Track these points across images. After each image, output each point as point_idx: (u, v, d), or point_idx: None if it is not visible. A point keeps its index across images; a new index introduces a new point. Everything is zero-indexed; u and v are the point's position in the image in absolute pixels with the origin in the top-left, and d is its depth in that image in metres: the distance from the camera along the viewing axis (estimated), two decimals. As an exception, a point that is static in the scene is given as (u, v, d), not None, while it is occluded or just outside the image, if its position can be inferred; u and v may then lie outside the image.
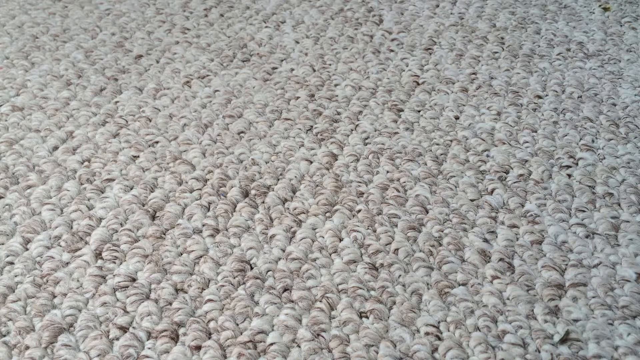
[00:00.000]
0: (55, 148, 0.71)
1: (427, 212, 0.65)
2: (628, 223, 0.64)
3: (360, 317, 0.54)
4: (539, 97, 0.83)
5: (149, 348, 0.51)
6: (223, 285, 0.56)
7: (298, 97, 0.81)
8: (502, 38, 0.96)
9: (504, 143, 0.75)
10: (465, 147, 0.74)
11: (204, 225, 0.62)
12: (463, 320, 0.54)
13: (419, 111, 0.80)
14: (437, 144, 0.74)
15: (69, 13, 0.98)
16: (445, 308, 0.55)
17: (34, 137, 0.72)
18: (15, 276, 0.56)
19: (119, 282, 0.56)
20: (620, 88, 0.86)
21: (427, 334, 0.53)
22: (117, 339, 0.52)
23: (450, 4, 1.06)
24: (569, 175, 0.70)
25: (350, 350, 0.52)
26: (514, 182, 0.69)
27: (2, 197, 0.65)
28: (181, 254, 0.59)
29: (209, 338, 0.52)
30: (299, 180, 0.68)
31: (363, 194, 0.67)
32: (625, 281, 0.58)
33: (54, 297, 0.55)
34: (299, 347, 0.52)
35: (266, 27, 0.97)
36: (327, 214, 0.64)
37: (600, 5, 1.07)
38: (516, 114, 0.80)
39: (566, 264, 0.60)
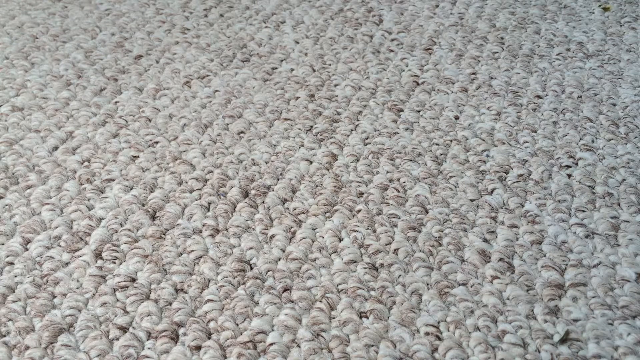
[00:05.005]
0: (55, 148, 0.71)
1: (427, 212, 0.65)
2: (628, 223, 0.64)
3: (360, 317, 0.54)
4: (539, 97, 0.83)
5: (149, 348, 0.51)
6: (223, 285, 0.56)
7: (298, 97, 0.81)
8: (502, 38, 0.96)
9: (504, 143, 0.75)
10: (465, 147, 0.74)
11: (203, 225, 0.62)
12: (463, 320, 0.54)
13: (419, 111, 0.80)
14: (437, 144, 0.74)
15: (69, 13, 0.98)
16: (445, 308, 0.55)
17: (33, 137, 0.72)
18: (15, 276, 0.56)
19: (119, 282, 0.56)
20: (620, 88, 0.86)
21: (427, 334, 0.53)
22: (117, 339, 0.52)
23: (450, 4, 1.06)
24: (569, 175, 0.70)
25: (350, 350, 0.52)
26: (514, 182, 0.69)
27: (2, 197, 0.65)
28: (181, 254, 0.59)
29: (209, 338, 0.52)
30: (299, 180, 0.68)
31: (363, 194, 0.67)
32: (625, 281, 0.58)
33: (54, 297, 0.55)
34: (299, 347, 0.52)
35: (266, 27, 0.97)
36: (327, 214, 0.64)
37: (600, 5, 1.07)
38: (516, 114, 0.80)
39: (566, 264, 0.60)
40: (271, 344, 0.52)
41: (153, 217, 0.63)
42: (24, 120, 0.75)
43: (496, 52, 0.93)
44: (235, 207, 0.65)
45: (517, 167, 0.71)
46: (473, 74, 0.88)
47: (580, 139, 0.76)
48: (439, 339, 0.53)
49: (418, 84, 0.85)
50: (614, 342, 0.53)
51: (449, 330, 0.54)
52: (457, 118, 0.79)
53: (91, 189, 0.66)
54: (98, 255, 0.59)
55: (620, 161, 0.73)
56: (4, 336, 0.52)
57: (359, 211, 0.65)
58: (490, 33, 0.98)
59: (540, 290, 0.57)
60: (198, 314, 0.54)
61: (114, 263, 0.58)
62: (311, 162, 0.71)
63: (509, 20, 1.01)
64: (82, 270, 0.57)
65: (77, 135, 0.73)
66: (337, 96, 0.82)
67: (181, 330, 0.53)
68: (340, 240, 0.61)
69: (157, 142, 0.73)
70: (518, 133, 0.77)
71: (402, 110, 0.80)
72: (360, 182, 0.68)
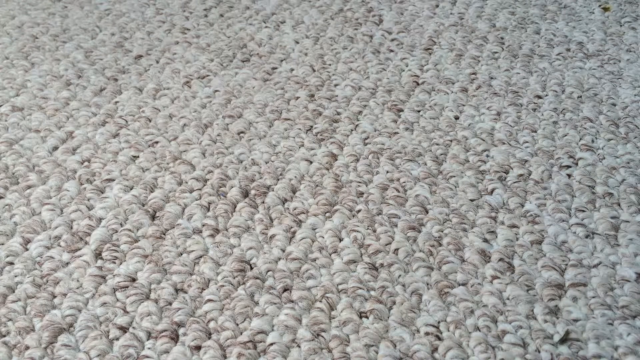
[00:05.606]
0: (55, 148, 0.71)
1: (427, 212, 0.65)
2: (628, 223, 0.64)
3: (360, 317, 0.54)
4: (539, 97, 0.83)
5: (149, 348, 0.51)
6: (223, 285, 0.56)
7: (298, 97, 0.81)
8: (502, 38, 0.96)
9: (504, 143, 0.75)
10: (465, 147, 0.74)
11: (203, 225, 0.62)
12: (463, 320, 0.54)
13: (419, 111, 0.80)
14: (437, 144, 0.74)
15: (69, 13, 0.98)
16: (445, 308, 0.55)
17: (33, 137, 0.72)
18: (15, 276, 0.56)
19: (119, 282, 0.56)
20: (620, 88, 0.86)
21: (427, 334, 0.53)
22: (117, 339, 0.52)
23: (450, 4, 1.06)
24: (569, 175, 0.70)
25: (350, 350, 0.52)
26: (514, 182, 0.69)
27: (2, 197, 0.65)
28: (181, 254, 0.59)
29: (209, 338, 0.52)
30: (299, 180, 0.68)
31: (363, 194, 0.67)
32: (625, 281, 0.58)
33: (54, 297, 0.55)
34: (299, 347, 0.52)
35: (266, 27, 0.97)
36: (327, 214, 0.64)
37: (600, 5, 1.07)
38: (516, 114, 0.80)
39: (566, 264, 0.60)
40: (271, 344, 0.52)
41: (153, 217, 0.63)
42: (24, 120, 0.75)
43: (496, 52, 0.93)
44: (235, 207, 0.65)
45: (517, 167, 0.71)
46: (473, 74, 0.88)
47: (580, 139, 0.76)
48: (439, 339, 0.53)
49: (418, 84, 0.85)
50: (614, 342, 0.53)
51: (449, 330, 0.54)
52: (457, 118, 0.79)
53: (91, 189, 0.66)
54: (98, 255, 0.59)
55: (620, 161, 0.73)
56: (4, 336, 0.52)
57: (359, 211, 0.65)
58: (490, 33, 0.98)
59: (540, 290, 0.57)
60: (198, 314, 0.54)
61: (114, 263, 0.58)
62: (311, 162, 0.71)
63: (509, 20, 1.01)
64: (82, 270, 0.57)
65: (77, 135, 0.73)
66: (337, 96, 0.82)
67: (181, 330, 0.53)
68: (340, 240, 0.61)
69: (157, 142, 0.73)
70: (518, 133, 0.77)
71: (402, 110, 0.80)
72: (360, 182, 0.68)
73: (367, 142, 0.74)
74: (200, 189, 0.66)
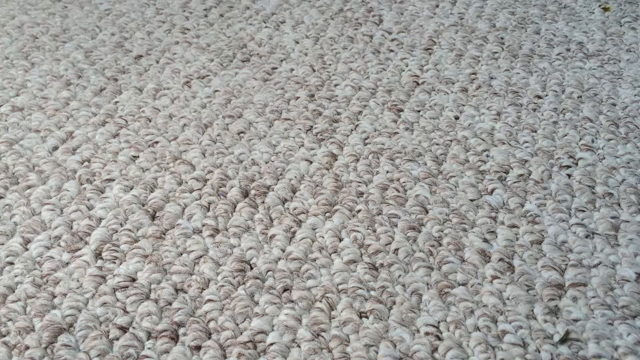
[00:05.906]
0: (55, 148, 0.71)
1: (427, 212, 0.65)
2: (628, 223, 0.64)
3: (360, 317, 0.54)
4: (539, 97, 0.83)
5: (149, 348, 0.51)
6: (223, 285, 0.56)
7: (298, 97, 0.81)
8: (502, 38, 0.96)
9: (504, 143, 0.75)
10: (465, 147, 0.74)
11: (203, 225, 0.62)
12: (463, 320, 0.54)
13: (419, 111, 0.80)
14: (437, 144, 0.74)
15: (69, 13, 0.98)
16: (445, 308, 0.55)
17: (33, 137, 0.72)
18: (15, 276, 0.56)
19: (119, 282, 0.56)
20: (620, 88, 0.86)
21: (427, 334, 0.53)
22: (117, 339, 0.52)
23: (450, 4, 1.06)
24: (569, 175, 0.70)
25: (350, 350, 0.52)
26: (514, 182, 0.69)
27: (2, 197, 0.65)
28: (181, 254, 0.59)
29: (209, 338, 0.52)
30: (299, 180, 0.68)
31: (363, 194, 0.67)
32: (625, 281, 0.58)
33: (54, 297, 0.55)
34: (299, 347, 0.52)
35: (266, 27, 0.97)
36: (327, 214, 0.64)
37: (600, 5, 1.07)
38: (516, 114, 0.80)
39: (566, 264, 0.60)
40: (271, 344, 0.52)
41: (153, 217, 0.63)
42: (24, 120, 0.75)
43: (496, 52, 0.93)
44: (235, 207, 0.65)
45: (517, 167, 0.71)
46: (473, 74, 0.88)
47: (580, 139, 0.76)
48: (439, 339, 0.53)
49: (418, 84, 0.85)
50: (614, 342, 0.53)
51: (449, 330, 0.54)
52: (457, 118, 0.79)
53: (91, 189, 0.66)
54: (98, 255, 0.59)
55: (620, 161, 0.73)
56: (4, 336, 0.52)
57: (359, 211, 0.65)
58: (490, 33, 0.98)
59: (540, 290, 0.57)
60: (198, 314, 0.54)
61: (114, 263, 0.58)
62: (311, 162, 0.71)
63: (509, 20, 1.01)
64: (82, 270, 0.57)
65: (77, 135, 0.73)
66: (337, 96, 0.82)
67: (181, 330, 0.53)
68: (340, 240, 0.61)
69: (157, 142, 0.73)
70: (518, 133, 0.77)
71: (402, 110, 0.80)
72: (360, 182, 0.68)
73: (367, 142, 0.74)
74: (200, 189, 0.66)
